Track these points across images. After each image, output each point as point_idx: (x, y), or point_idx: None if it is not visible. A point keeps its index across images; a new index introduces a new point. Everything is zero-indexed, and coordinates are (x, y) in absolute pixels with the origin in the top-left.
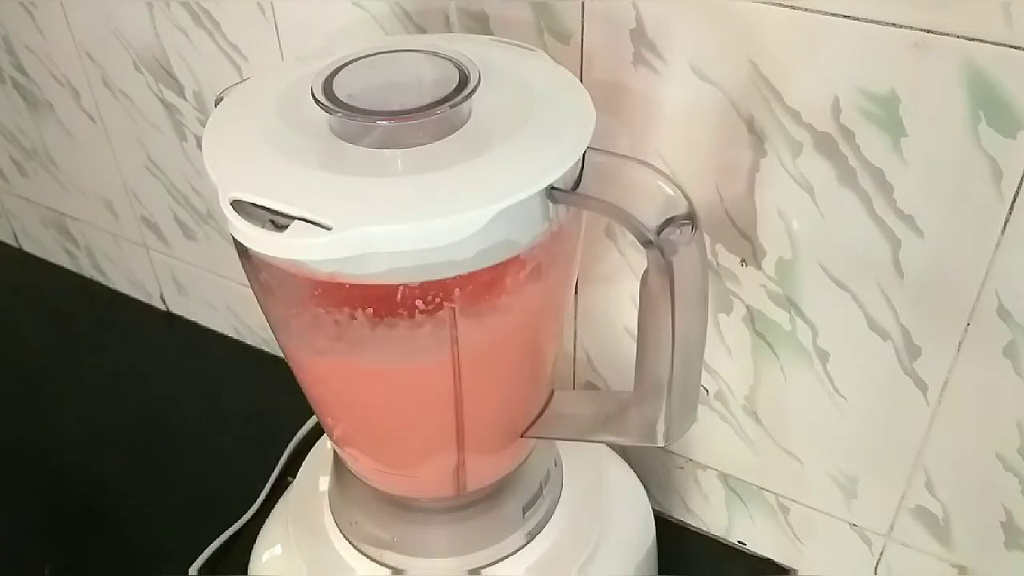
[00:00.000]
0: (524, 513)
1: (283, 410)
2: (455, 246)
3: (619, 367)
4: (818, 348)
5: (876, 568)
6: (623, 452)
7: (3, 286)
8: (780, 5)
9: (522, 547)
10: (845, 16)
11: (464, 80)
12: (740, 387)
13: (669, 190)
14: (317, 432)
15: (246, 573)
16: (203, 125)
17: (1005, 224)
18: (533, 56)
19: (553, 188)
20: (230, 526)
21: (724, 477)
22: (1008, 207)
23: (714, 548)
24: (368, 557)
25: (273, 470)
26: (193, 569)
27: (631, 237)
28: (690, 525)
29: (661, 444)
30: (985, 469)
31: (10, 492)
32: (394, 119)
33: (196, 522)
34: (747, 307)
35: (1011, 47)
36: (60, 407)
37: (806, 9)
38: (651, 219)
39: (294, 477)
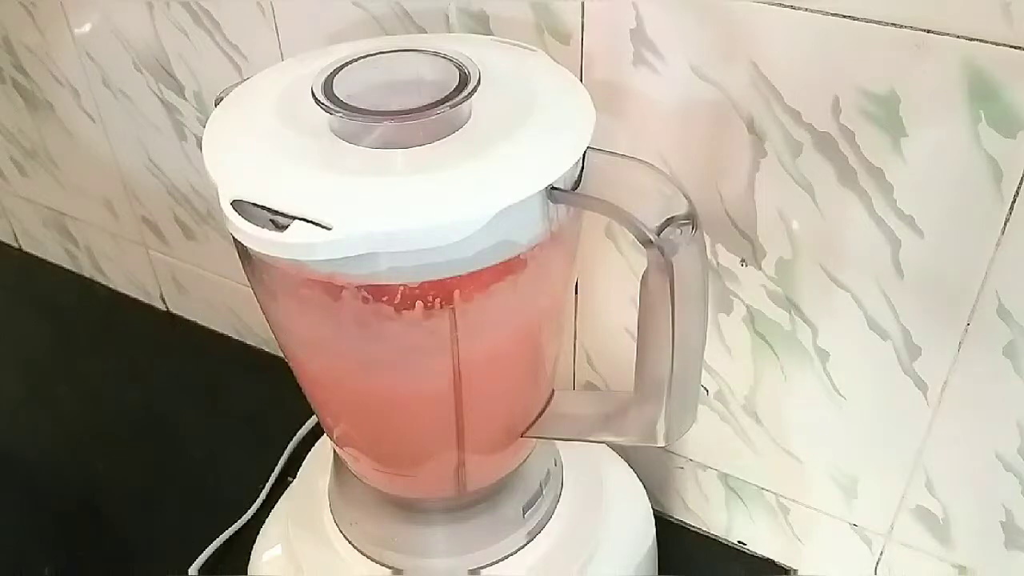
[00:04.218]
0: (524, 513)
1: (283, 410)
2: (455, 246)
3: (619, 367)
4: (818, 348)
5: (876, 568)
6: (623, 452)
7: (3, 286)
8: (780, 5)
9: (522, 547)
10: (845, 16)
11: (464, 80)
12: (740, 387)
13: (669, 190)
14: (317, 432)
15: (246, 573)
16: (203, 125)
17: (1005, 224)
18: (533, 56)
19: (553, 188)
20: (230, 526)
21: (724, 477)
22: (1008, 207)
23: (714, 548)
24: (368, 557)
25: (273, 470)
26: (193, 569)
27: (631, 237)
28: (690, 525)
29: (661, 444)
30: (985, 469)
31: (10, 492)
32: (394, 119)
33: (196, 522)
34: (747, 307)
35: (1011, 47)
36: (60, 407)
37: (806, 9)
38: (651, 219)
39: (294, 477)
